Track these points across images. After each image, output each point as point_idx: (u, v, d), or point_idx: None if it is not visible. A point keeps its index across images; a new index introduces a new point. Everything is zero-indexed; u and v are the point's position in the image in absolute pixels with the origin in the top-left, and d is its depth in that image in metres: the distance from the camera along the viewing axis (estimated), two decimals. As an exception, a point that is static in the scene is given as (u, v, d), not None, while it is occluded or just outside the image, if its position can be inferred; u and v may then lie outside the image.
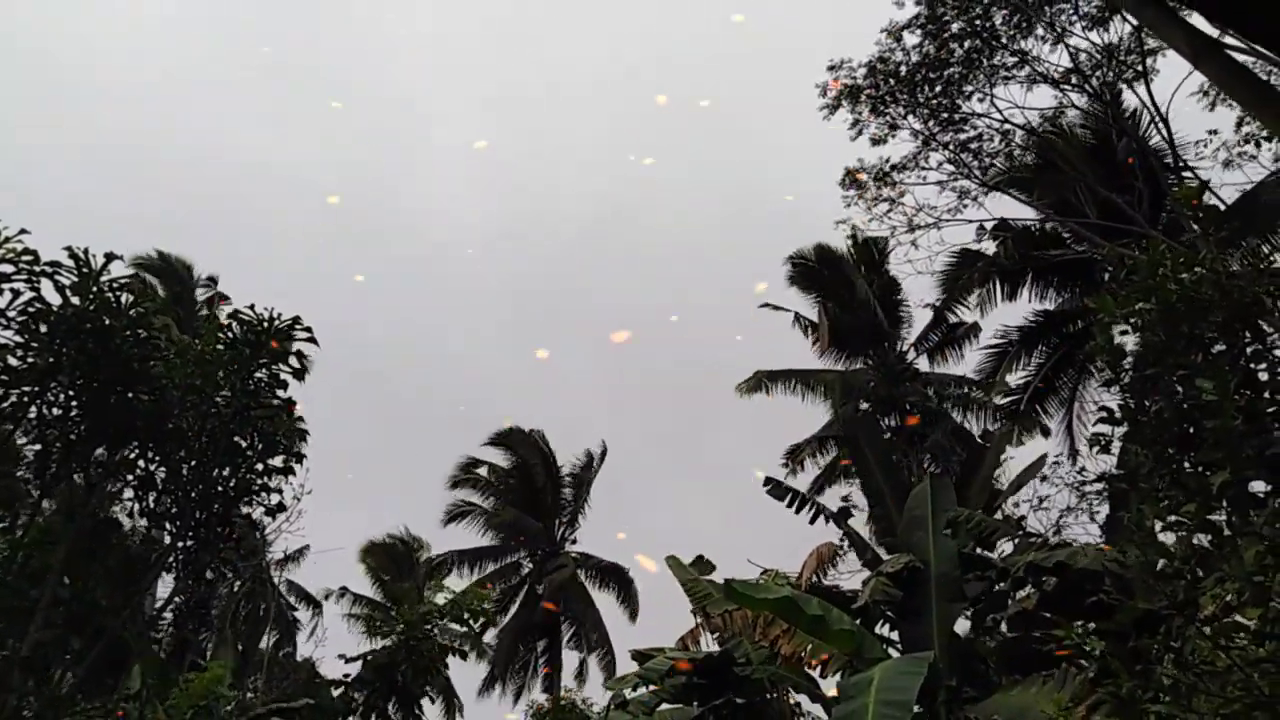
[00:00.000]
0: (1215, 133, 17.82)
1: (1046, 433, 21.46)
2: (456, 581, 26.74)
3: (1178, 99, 17.54)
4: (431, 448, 51.31)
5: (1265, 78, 12.99)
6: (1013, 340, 21.88)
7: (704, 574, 14.15)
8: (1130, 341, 5.71)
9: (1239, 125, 17.78)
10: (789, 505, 15.71)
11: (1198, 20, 7.33)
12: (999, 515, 17.81)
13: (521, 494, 32.27)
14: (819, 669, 12.52)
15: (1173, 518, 4.89)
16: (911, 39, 18.68)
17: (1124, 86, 18.78)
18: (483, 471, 32.80)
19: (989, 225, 20.37)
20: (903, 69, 18.72)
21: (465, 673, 31.27)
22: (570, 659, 30.05)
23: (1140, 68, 17.94)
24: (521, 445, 32.79)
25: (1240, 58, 8.48)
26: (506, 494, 32.53)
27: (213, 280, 28.99)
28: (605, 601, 30.79)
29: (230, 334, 8.01)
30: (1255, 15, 4.88)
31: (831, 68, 19.54)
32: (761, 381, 24.89)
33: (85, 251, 7.20)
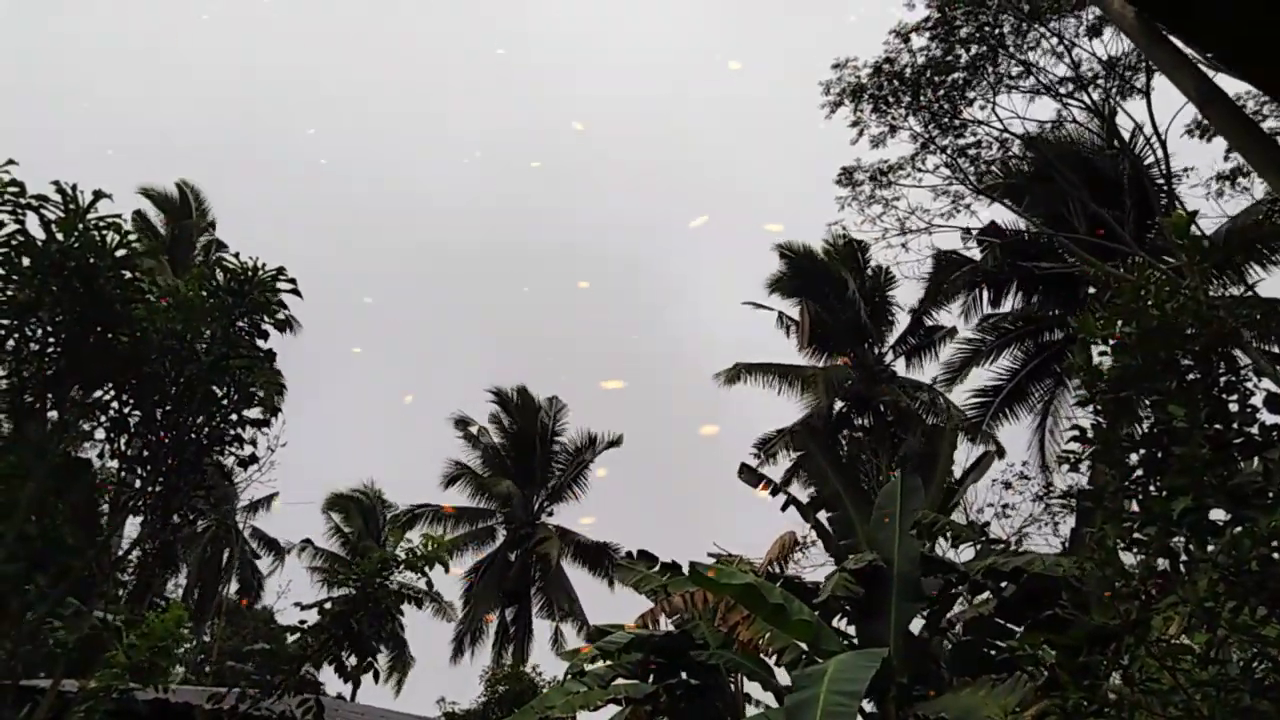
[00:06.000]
0: (1192, 169, 18.14)
1: (1002, 454, 21.63)
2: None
3: (1175, 115, 17.75)
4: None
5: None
6: (986, 341, 22.12)
7: (649, 568, 14.30)
8: (1108, 362, 5.79)
9: (1227, 155, 17.94)
10: (762, 491, 15.81)
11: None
12: (964, 519, 17.99)
13: (513, 460, 32.12)
14: (775, 658, 12.69)
15: (1135, 537, 5.00)
16: (919, 41, 18.69)
17: (1122, 102, 18.91)
18: (474, 430, 32.56)
19: (976, 231, 20.53)
20: (908, 70, 18.73)
21: (432, 634, 31.37)
22: (543, 628, 30.31)
23: (1140, 84, 18.05)
24: (523, 410, 32.55)
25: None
26: (497, 457, 32.38)
27: (211, 225, 28.65)
28: (580, 577, 30.99)
29: (214, 281, 7.93)
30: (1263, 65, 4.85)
31: (836, 66, 19.52)
32: (741, 373, 25.10)
33: (74, 188, 7.11)
